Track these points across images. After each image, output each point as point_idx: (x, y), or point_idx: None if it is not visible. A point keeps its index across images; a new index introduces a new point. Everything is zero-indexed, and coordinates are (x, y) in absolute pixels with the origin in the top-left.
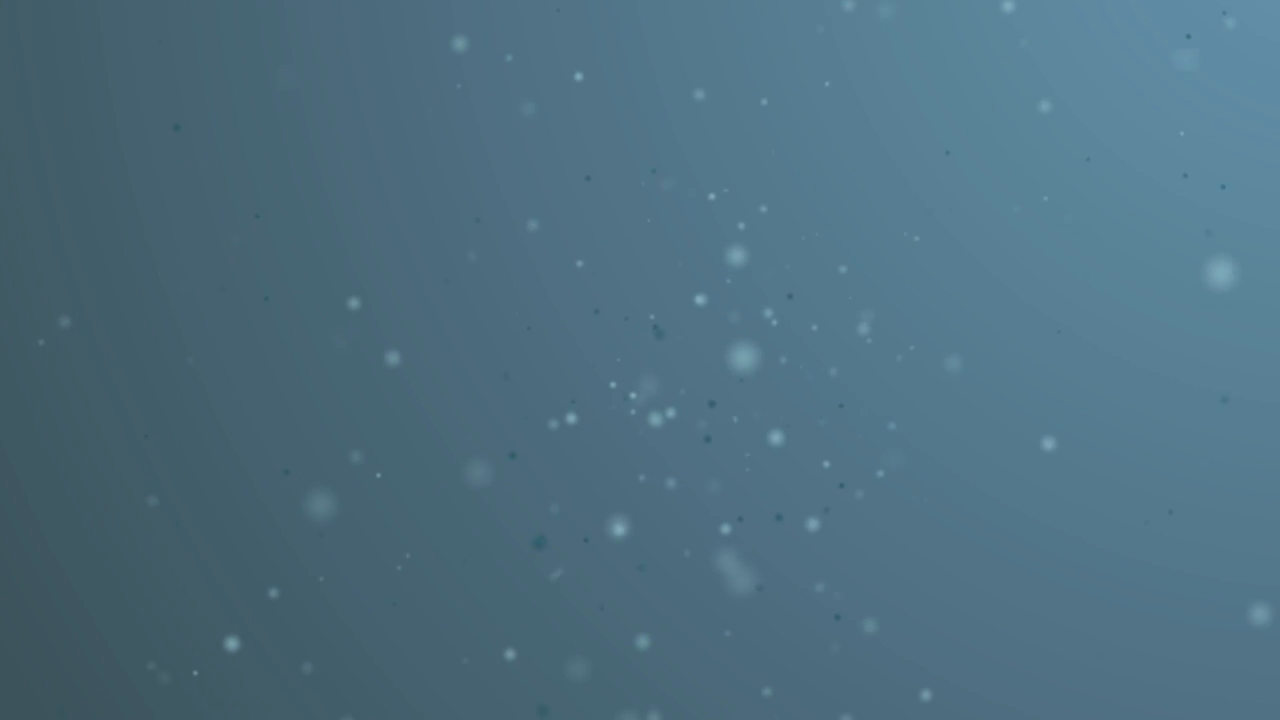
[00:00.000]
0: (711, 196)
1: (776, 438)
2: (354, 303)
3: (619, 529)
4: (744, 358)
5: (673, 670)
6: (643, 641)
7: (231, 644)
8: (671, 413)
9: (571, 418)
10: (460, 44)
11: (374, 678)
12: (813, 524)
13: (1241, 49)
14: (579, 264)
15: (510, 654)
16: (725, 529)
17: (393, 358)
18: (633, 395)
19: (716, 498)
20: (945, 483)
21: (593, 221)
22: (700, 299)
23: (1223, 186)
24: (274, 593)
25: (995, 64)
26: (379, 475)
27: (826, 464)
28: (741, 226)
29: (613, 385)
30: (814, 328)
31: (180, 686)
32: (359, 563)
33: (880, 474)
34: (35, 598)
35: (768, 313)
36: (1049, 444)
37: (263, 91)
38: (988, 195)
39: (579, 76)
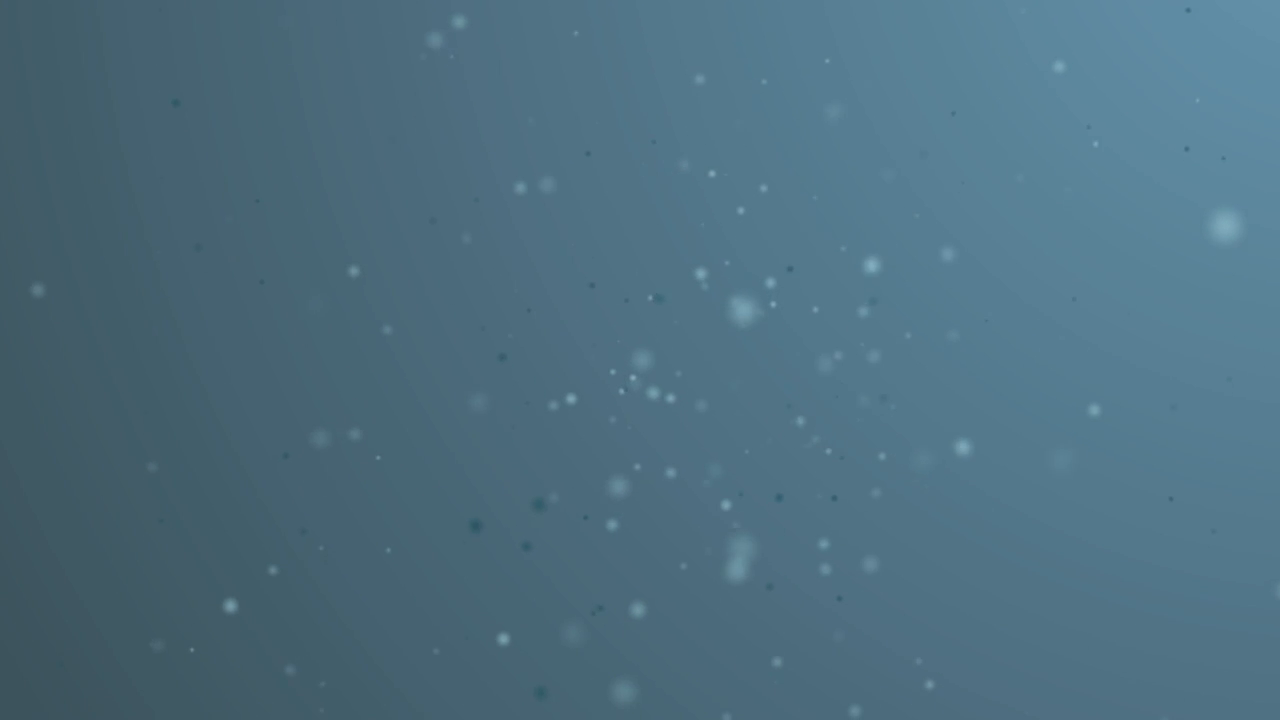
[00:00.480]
0: (712, 174)
1: (777, 419)
2: (352, 276)
3: (618, 510)
4: (743, 337)
5: (671, 651)
6: (643, 623)
7: (226, 625)
8: (671, 397)
9: (571, 398)
10: (459, 22)
11: (367, 666)
12: (814, 506)
13: (1241, 21)
14: (577, 242)
15: (504, 639)
16: (725, 508)
17: (389, 339)
18: (633, 377)
19: (717, 480)
20: (948, 464)
21: (592, 198)
22: (700, 278)
23: (1223, 158)
24: (273, 570)
25: (994, 37)
26: (379, 458)
27: (829, 451)
28: (741, 211)
29: (612, 372)
30: (815, 309)
31: (174, 660)
32: (352, 547)
33: (882, 457)
34: (35, 595)
35: (768, 291)
36: (1057, 423)
37: (260, 69)
38: (987, 169)
39: (578, 55)
